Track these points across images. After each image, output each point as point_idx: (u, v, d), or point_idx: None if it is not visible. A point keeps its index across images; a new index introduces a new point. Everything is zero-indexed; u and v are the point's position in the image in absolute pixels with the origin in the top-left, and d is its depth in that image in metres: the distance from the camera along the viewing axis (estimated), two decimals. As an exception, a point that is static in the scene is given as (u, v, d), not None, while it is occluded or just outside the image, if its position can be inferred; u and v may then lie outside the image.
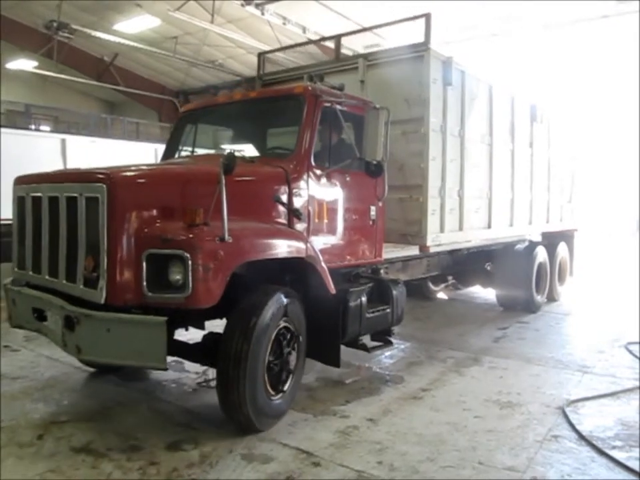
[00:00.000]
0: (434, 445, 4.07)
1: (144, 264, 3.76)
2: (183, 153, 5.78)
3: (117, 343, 3.79)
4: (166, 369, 3.95)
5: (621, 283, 11.68)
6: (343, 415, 4.61)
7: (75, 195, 4.04)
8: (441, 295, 9.91)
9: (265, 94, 5.81)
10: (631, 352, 6.49)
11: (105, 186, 3.80)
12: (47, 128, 17.79)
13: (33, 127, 17.12)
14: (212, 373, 5.51)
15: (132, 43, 17.74)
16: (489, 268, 8.46)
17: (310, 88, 4.94)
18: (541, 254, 8.92)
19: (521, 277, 8.43)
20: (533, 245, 8.91)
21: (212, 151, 5.82)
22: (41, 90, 21.56)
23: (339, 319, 4.80)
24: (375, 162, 4.89)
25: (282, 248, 4.31)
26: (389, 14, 12.58)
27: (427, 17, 5.78)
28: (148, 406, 4.79)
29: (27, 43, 18.73)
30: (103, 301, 3.79)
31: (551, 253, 9.33)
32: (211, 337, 4.55)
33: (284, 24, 15.46)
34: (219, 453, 3.91)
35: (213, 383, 5.28)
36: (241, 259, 3.97)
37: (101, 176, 3.91)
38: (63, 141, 12.37)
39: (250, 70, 21.15)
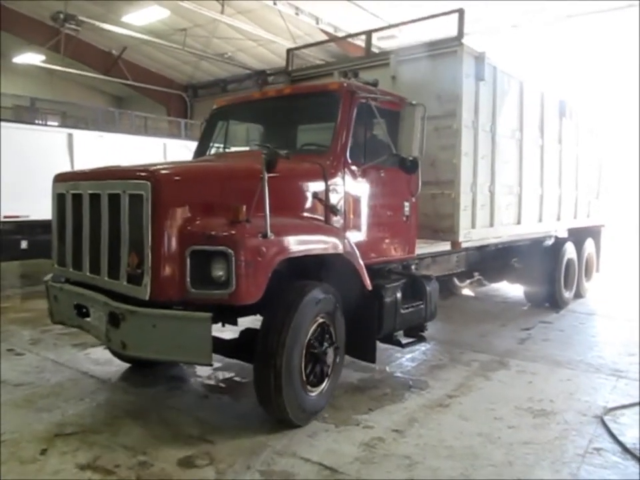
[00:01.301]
0: (467, 459, 3.93)
1: (188, 260, 3.91)
2: (213, 150, 5.96)
3: (162, 339, 3.95)
4: (211, 365, 4.14)
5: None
6: (366, 425, 4.48)
7: (118, 192, 4.20)
8: (466, 291, 10.03)
9: (299, 90, 5.99)
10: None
11: (149, 183, 3.96)
12: (55, 123, 17.96)
13: (39, 121, 17.29)
14: (222, 375, 5.66)
15: (141, 36, 17.88)
16: (516, 264, 8.62)
17: (346, 84, 5.12)
18: (570, 250, 9.14)
19: (549, 273, 8.64)
20: (561, 241, 9.09)
21: (246, 148, 5.99)
22: (49, 85, 21.81)
23: (374, 315, 4.97)
24: (410, 158, 5.06)
25: (322, 244, 4.48)
26: (408, 5, 12.82)
27: (460, 12, 5.92)
28: (158, 416, 4.67)
29: (33, 36, 18.94)
30: (147, 297, 3.96)
31: (578, 249, 9.53)
32: (248, 332, 4.74)
33: (296, 14, 15.57)
34: (236, 469, 3.77)
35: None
36: (283, 255, 4.12)
37: (144, 173, 4.08)
38: (70, 136, 12.43)
39: (260, 63, 21.34)
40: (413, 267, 5.99)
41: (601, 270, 10.76)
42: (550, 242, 8.90)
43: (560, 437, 4.30)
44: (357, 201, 5.07)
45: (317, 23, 16.17)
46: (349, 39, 13.86)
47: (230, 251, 3.80)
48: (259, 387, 4.25)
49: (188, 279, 3.92)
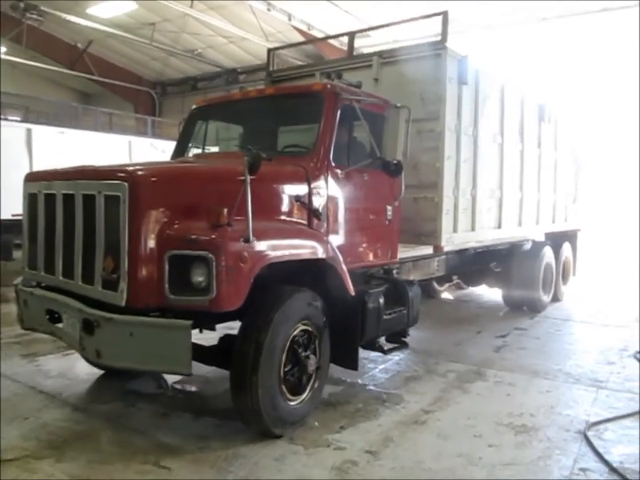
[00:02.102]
0: (448, 484, 3.73)
1: (166, 265, 3.83)
2: (192, 151, 5.89)
3: (140, 348, 3.86)
4: (191, 374, 3.99)
5: (622, 285, 12.00)
6: (338, 447, 4.21)
7: (93, 193, 4.10)
8: (445, 295, 10.15)
9: (282, 91, 5.96)
10: (643, 363, 6.43)
11: (126, 184, 3.87)
12: (18, 118, 17.50)
13: (-3, 115, 16.80)
14: (185, 388, 5.49)
15: (106, 29, 17.56)
16: (495, 268, 8.76)
17: (330, 85, 5.10)
18: (548, 254, 9.33)
19: (528, 277, 8.80)
20: (540, 245, 9.27)
21: (226, 149, 5.92)
22: (10, 78, 21.19)
23: (357, 321, 4.94)
24: (394, 161, 5.08)
25: (305, 249, 4.45)
26: (384, 3, 12.89)
27: (444, 14, 5.97)
28: (110, 437, 4.33)
29: (-7, 26, 18.46)
30: (124, 304, 3.86)
31: (556, 252, 9.74)
32: (227, 338, 4.66)
33: (268, 10, 15.51)
34: (195, 499, 3.51)
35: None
36: (266, 261, 4.06)
37: (122, 174, 3.99)
38: (29, 131, 12.13)
39: (231, 61, 21.21)
40: (394, 271, 6.00)
41: (577, 273, 11.02)
42: (528, 246, 9.06)
43: (544, 457, 4.13)
44: (340, 204, 5.04)
45: (290, 20, 16.13)
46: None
47: (211, 255, 3.73)
48: (236, 403, 4.19)
49: (166, 285, 3.84)
